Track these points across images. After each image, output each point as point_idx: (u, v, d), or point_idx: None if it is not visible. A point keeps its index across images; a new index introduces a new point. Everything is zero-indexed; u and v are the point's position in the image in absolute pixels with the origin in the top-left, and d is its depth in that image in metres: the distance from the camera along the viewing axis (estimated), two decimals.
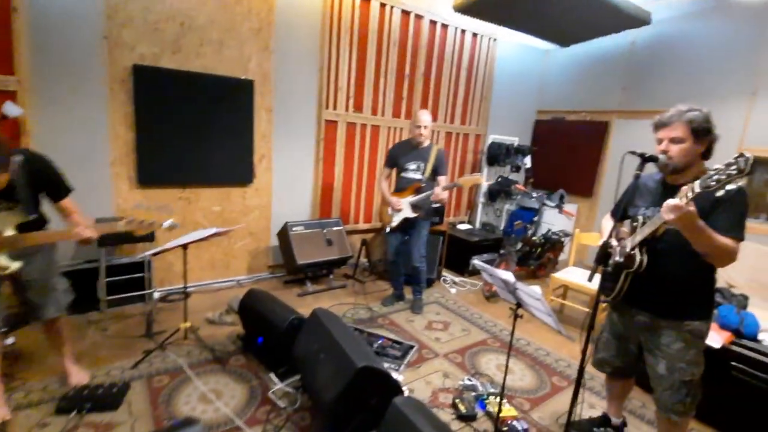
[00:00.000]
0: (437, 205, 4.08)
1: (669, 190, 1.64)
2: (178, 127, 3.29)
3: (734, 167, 1.26)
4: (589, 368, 2.04)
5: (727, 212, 1.51)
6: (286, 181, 3.97)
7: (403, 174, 3.34)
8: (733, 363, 2.25)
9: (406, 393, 2.28)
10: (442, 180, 3.25)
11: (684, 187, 1.40)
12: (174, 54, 3.21)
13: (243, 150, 3.62)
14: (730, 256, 1.49)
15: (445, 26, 4.63)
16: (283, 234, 3.74)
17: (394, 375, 2.43)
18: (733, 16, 3.98)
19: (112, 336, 2.78)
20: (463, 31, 4.81)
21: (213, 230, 2.43)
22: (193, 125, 3.34)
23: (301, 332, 2.21)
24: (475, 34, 4.93)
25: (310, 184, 4.14)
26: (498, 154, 5.16)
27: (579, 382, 1.74)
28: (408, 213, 3.27)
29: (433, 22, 4.52)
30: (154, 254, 2.49)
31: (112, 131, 3.08)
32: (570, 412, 1.81)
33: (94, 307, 3.01)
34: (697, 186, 1.35)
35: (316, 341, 2.04)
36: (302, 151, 4.02)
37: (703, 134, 1.59)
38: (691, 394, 1.70)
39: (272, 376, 2.35)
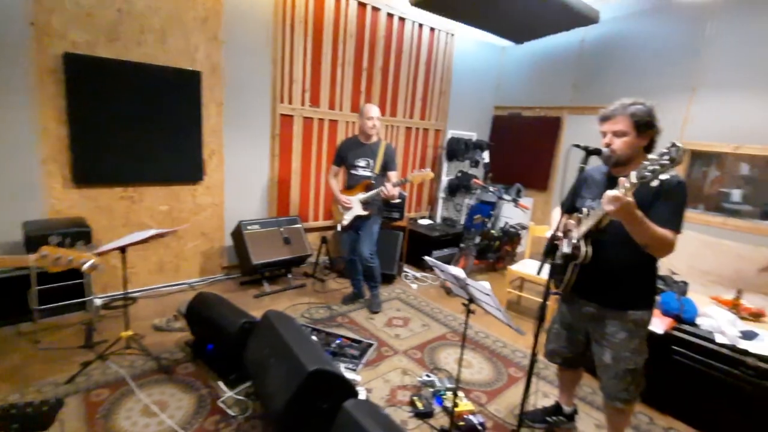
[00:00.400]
0: (398, 200, 4.07)
1: (614, 182, 1.66)
2: (118, 122, 3.06)
3: (667, 157, 1.29)
4: (543, 359, 2.08)
5: (666, 204, 1.55)
6: (240, 178, 3.81)
7: (353, 171, 3.26)
8: (674, 347, 2.37)
9: (363, 393, 2.24)
10: (393, 176, 3.20)
11: (622, 179, 1.43)
12: (111, 42, 2.98)
13: (191, 146, 3.43)
14: (668, 247, 1.54)
15: (402, 20, 4.60)
16: (237, 233, 3.59)
17: (352, 375, 2.38)
18: (674, 15, 4.18)
19: (46, 348, 2.56)
20: (421, 26, 4.80)
21: (152, 231, 2.27)
22: (135, 119, 3.13)
23: (252, 336, 2.12)
24: (432, 29, 4.92)
25: (265, 181, 4.00)
26: (457, 149, 5.20)
27: (530, 374, 1.76)
28: (359, 210, 3.22)
29: (390, 16, 4.47)
30: None
31: (42, 126, 2.83)
32: (523, 404, 1.82)
33: (27, 317, 2.76)
34: (633, 177, 1.38)
35: (267, 345, 1.95)
36: (256, 147, 3.87)
37: (645, 128, 1.62)
38: (635, 383, 1.76)
39: (221, 383, 2.24)
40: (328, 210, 4.46)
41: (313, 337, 2.75)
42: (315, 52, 4.01)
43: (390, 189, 3.04)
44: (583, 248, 1.66)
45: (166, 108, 3.24)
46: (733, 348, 2.22)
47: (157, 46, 3.16)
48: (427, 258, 2.03)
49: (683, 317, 2.48)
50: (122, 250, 2.34)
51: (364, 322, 3.23)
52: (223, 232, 3.80)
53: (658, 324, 2.40)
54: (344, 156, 3.28)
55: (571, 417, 2.24)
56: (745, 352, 2.17)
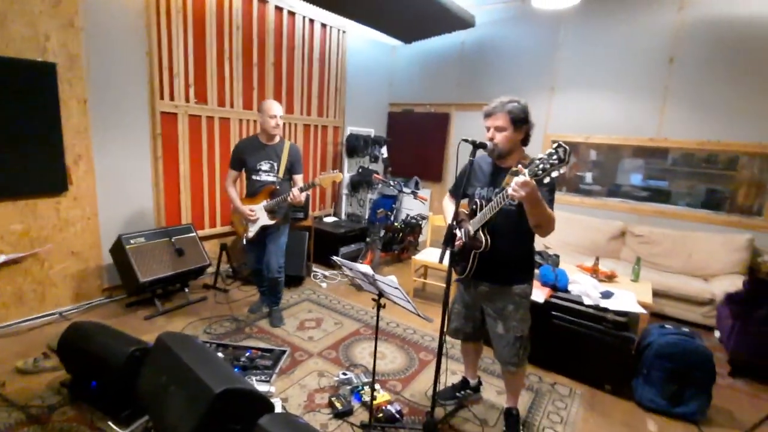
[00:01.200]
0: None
1: (498, 171, 1.88)
2: None
3: (555, 157, 1.46)
4: (448, 338, 2.24)
5: (546, 190, 1.76)
6: (117, 185, 3.35)
7: (254, 176, 2.96)
8: (553, 312, 2.74)
9: (279, 405, 2.17)
10: (299, 179, 3.03)
11: (522, 168, 1.56)
12: None
13: (49, 150, 2.91)
14: (553, 225, 1.76)
15: (292, 14, 4.47)
16: (118, 249, 3.16)
17: (265, 387, 2.29)
18: (535, 22, 4.76)
19: None
20: (312, 21, 4.72)
21: (1, 258, 1.89)
22: None
23: (145, 364, 1.90)
24: (324, 25, 4.88)
25: (148, 187, 3.58)
26: (357, 146, 5.27)
27: (440, 355, 1.88)
28: (265, 220, 2.96)
29: (279, 9, 4.31)
30: None
31: None
32: (435, 385, 1.94)
33: None
34: (526, 174, 1.53)
35: (164, 372, 1.77)
36: (135, 149, 3.44)
37: (520, 123, 1.83)
38: (523, 347, 2.00)
39: (111, 424, 1.96)
40: (227, 215, 4.18)
41: (219, 354, 2.57)
42: (197, 44, 3.69)
43: (297, 194, 2.81)
44: (482, 238, 1.82)
45: (12, 106, 2.70)
46: (596, 307, 2.64)
47: None
48: (335, 258, 2.03)
49: (558, 286, 2.87)
50: None
51: (275, 329, 3.12)
52: (100, 249, 3.31)
53: (539, 294, 2.74)
54: (243, 159, 2.97)
55: (476, 389, 2.46)
56: (605, 310, 2.61)
